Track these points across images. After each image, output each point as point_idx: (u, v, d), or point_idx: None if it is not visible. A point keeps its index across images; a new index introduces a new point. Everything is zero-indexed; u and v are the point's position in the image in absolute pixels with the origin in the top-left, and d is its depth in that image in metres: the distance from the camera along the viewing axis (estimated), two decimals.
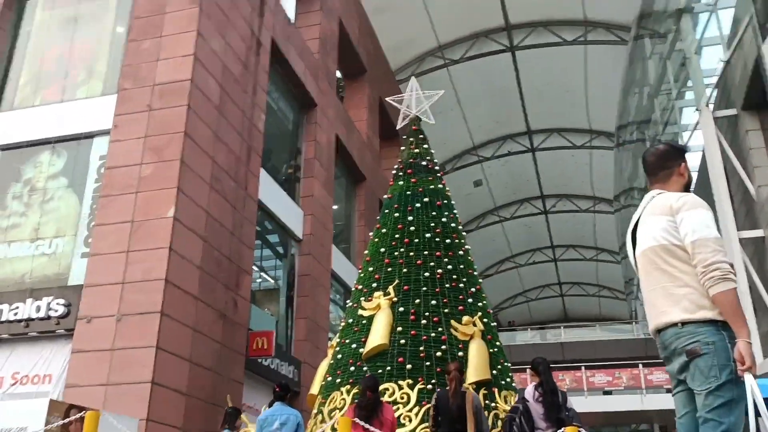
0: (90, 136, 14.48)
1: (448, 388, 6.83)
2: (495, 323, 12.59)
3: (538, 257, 57.89)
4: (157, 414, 11.71)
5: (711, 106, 21.83)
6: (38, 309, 12.81)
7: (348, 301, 12.89)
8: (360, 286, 12.56)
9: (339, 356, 11.75)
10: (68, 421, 7.29)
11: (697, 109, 22.29)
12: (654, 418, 26.13)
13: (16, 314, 12.85)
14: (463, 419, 6.58)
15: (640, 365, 22.55)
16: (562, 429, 6.01)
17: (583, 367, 22.97)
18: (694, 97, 23.15)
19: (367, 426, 6.02)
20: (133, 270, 12.54)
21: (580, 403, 23.16)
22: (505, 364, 12.09)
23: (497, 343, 12.09)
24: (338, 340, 12.27)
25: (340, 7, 24.38)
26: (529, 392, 6.41)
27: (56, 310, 12.70)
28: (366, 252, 13.15)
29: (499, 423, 10.77)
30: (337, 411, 10.94)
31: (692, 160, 28.66)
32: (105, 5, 15.88)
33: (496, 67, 35.16)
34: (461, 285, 12.10)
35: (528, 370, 6.75)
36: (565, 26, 33.13)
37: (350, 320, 12.17)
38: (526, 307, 61.67)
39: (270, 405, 7.88)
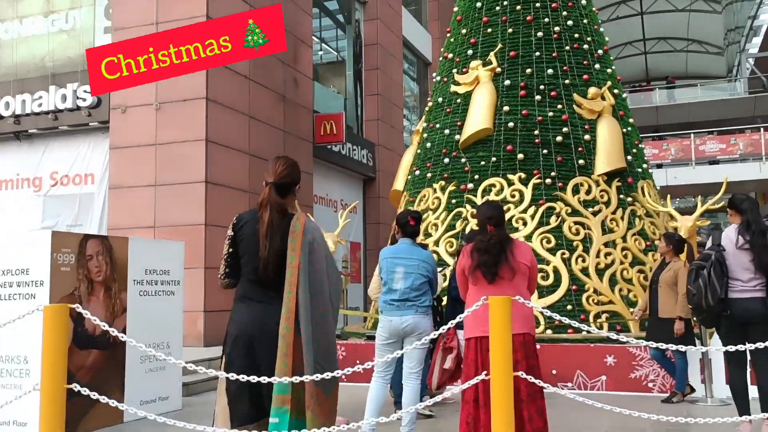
0: None
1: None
2: (626, 94, 9.82)
3: (623, 11, 52.31)
4: (216, 217, 10.01)
5: None
6: (64, 98, 10.76)
7: (435, 75, 10.23)
8: (450, 55, 9.81)
9: (428, 145, 9.43)
10: (88, 256, 5.45)
11: None
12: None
13: (40, 105, 10.89)
14: None
15: (762, 129, 19.45)
16: None
17: (692, 135, 20.12)
18: None
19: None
20: None
21: (686, 174, 20.80)
22: (640, 146, 9.56)
23: (630, 120, 9.46)
24: (425, 124, 9.86)
25: None
26: (730, 236, 4.81)
27: (84, 99, 10.63)
28: (455, 9, 10.17)
29: (637, 222, 8.58)
30: (430, 212, 8.90)
31: None
32: None
33: None
34: (585, 46, 9.21)
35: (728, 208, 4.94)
36: None
37: (439, 99, 9.62)
38: None
39: (392, 241, 5.52)
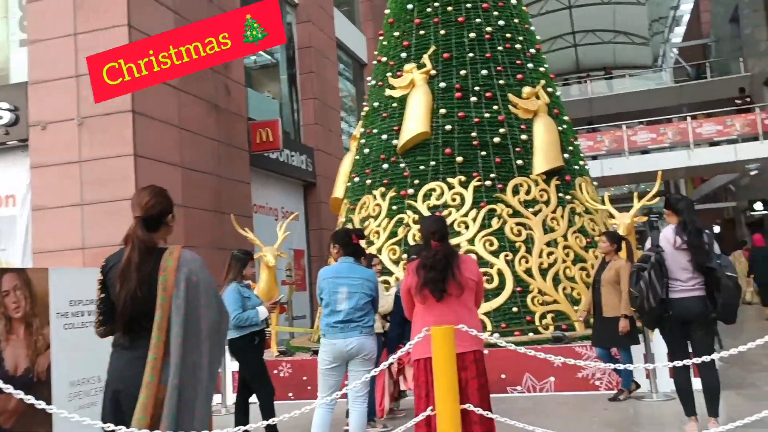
0: None
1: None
2: (559, 92, 9.86)
3: (551, 5, 53.53)
4: None
5: None
6: None
7: (369, 79, 10.07)
8: (384, 58, 9.67)
9: (366, 151, 9.27)
10: (4, 292, 5.06)
11: None
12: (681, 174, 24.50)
13: None
14: None
15: (689, 118, 20.06)
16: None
17: (624, 126, 20.56)
18: None
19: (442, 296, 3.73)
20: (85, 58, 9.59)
21: (620, 165, 21.26)
22: (576, 143, 9.62)
23: (565, 118, 9.51)
24: (362, 130, 9.69)
25: None
26: (668, 237, 4.86)
27: (1, 117, 10.02)
28: (386, 12, 10.04)
29: (577, 220, 8.62)
30: (372, 220, 8.74)
31: None
32: None
33: None
34: (518, 46, 9.21)
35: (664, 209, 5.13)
36: None
37: (375, 104, 9.47)
38: None
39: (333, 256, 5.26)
